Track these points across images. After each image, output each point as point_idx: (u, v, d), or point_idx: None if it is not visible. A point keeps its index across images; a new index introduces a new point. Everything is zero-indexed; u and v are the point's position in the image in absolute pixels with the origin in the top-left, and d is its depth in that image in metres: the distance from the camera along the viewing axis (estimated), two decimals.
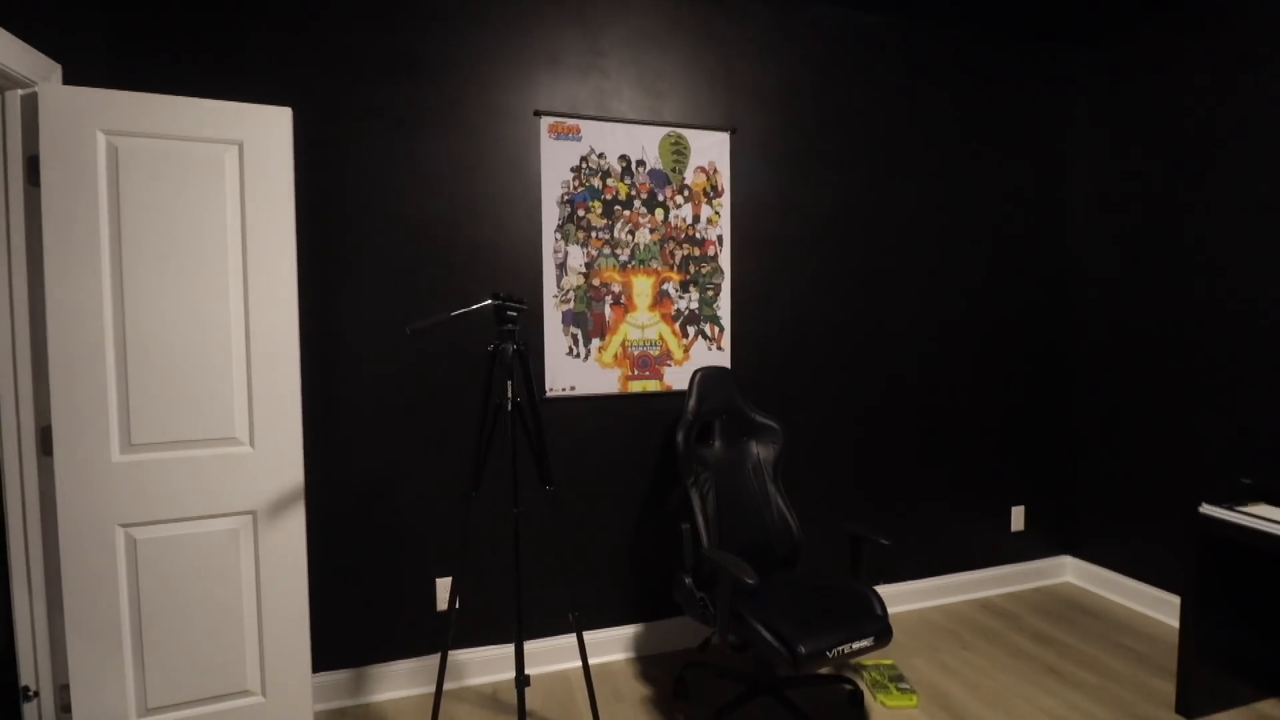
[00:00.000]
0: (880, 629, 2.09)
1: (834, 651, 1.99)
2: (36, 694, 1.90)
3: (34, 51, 1.79)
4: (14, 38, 1.71)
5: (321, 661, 2.42)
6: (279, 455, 2.03)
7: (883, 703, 2.43)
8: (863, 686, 2.54)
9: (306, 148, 2.34)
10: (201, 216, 1.94)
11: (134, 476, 1.90)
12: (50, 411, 1.82)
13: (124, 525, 1.90)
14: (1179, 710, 2.34)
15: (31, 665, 1.89)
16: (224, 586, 2.00)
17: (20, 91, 1.82)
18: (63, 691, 1.93)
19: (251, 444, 2.01)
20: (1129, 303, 3.18)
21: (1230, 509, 2.23)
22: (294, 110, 2.31)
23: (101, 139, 1.85)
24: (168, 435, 1.92)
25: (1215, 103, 2.79)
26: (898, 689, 2.48)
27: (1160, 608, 3.05)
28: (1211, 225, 2.83)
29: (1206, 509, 2.27)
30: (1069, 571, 3.50)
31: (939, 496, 3.26)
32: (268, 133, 1.99)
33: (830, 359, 3.05)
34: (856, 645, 2.03)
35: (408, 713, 2.40)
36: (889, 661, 2.70)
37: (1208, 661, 2.32)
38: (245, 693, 2.04)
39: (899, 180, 3.11)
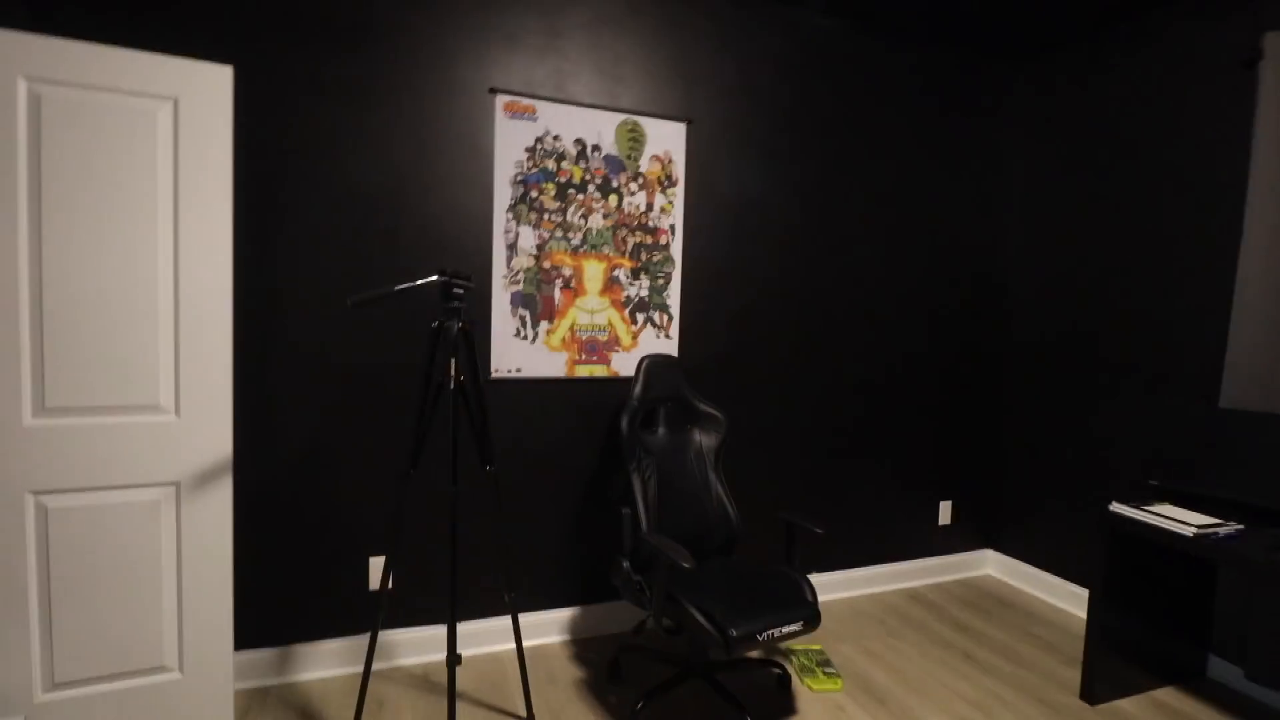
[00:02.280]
0: (809, 614, 2.15)
1: (764, 635, 2.04)
2: None
3: None
4: None
5: (245, 639, 2.36)
6: (206, 425, 1.96)
7: (809, 686, 2.51)
8: (791, 670, 2.62)
9: (247, 109, 2.25)
10: (131, 174, 1.85)
11: (47, 442, 1.81)
12: None
13: (35, 492, 1.80)
14: (1083, 696, 2.49)
15: None
16: (142, 559, 1.92)
17: None
18: None
19: (177, 412, 1.93)
20: (1051, 311, 3.34)
21: (1137, 508, 2.37)
22: (235, 69, 2.22)
23: (23, 85, 1.74)
24: (86, 400, 1.83)
25: (1128, 120, 2.95)
26: (824, 673, 2.56)
27: (1070, 600, 3.23)
28: (1122, 238, 2.99)
29: (1116, 507, 2.41)
30: (990, 564, 3.67)
31: (874, 490, 3.37)
32: (206, 91, 1.91)
33: (775, 352, 3.11)
34: (786, 629, 2.09)
35: (335, 692, 2.36)
36: (817, 647, 2.78)
37: (1111, 651, 2.46)
38: (161, 669, 1.97)
39: (848, 182, 3.19)
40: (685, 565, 1.97)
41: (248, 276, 2.29)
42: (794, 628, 2.11)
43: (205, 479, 1.97)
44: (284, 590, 2.40)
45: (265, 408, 2.34)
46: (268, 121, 2.28)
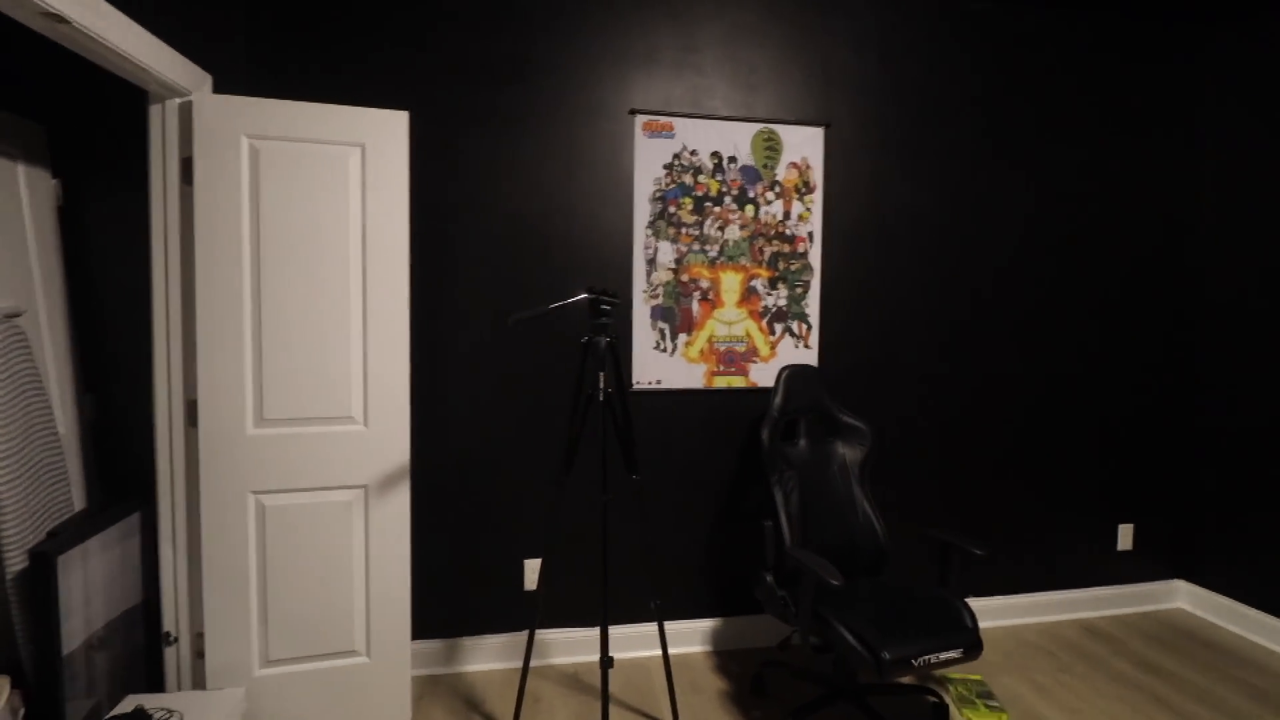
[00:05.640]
0: (970, 641, 2.03)
1: (920, 660, 1.95)
2: (176, 639, 2.13)
3: (191, 65, 1.99)
4: (177, 53, 1.91)
5: (419, 630, 2.59)
6: (389, 434, 2.18)
7: (968, 718, 2.35)
8: (948, 700, 2.47)
9: (417, 147, 2.49)
10: (327, 212, 2.11)
11: (264, 448, 2.09)
12: (196, 387, 2.04)
13: (255, 492, 2.09)
14: None
15: (173, 613, 2.12)
16: (337, 553, 2.17)
17: (178, 100, 2.02)
18: (198, 639, 2.15)
19: (365, 423, 2.16)
20: (1265, 303, 2.91)
21: None
22: (410, 113, 2.47)
23: (245, 142, 2.03)
24: (294, 412, 2.10)
25: None
26: (986, 706, 2.39)
27: None
28: None
29: None
30: (1182, 597, 3.24)
31: (1038, 510, 3.10)
32: (387, 135, 2.13)
33: (924, 360, 2.95)
34: (944, 656, 1.98)
35: (496, 684, 2.52)
36: (977, 677, 2.60)
37: None
38: (352, 653, 2.21)
39: (1004, 173, 2.97)
40: (834, 582, 1.92)
41: (419, 299, 2.52)
42: (953, 654, 2.00)
43: (389, 483, 2.19)
44: (451, 587, 2.61)
45: (435, 419, 2.56)
46: (433, 157, 2.50)
